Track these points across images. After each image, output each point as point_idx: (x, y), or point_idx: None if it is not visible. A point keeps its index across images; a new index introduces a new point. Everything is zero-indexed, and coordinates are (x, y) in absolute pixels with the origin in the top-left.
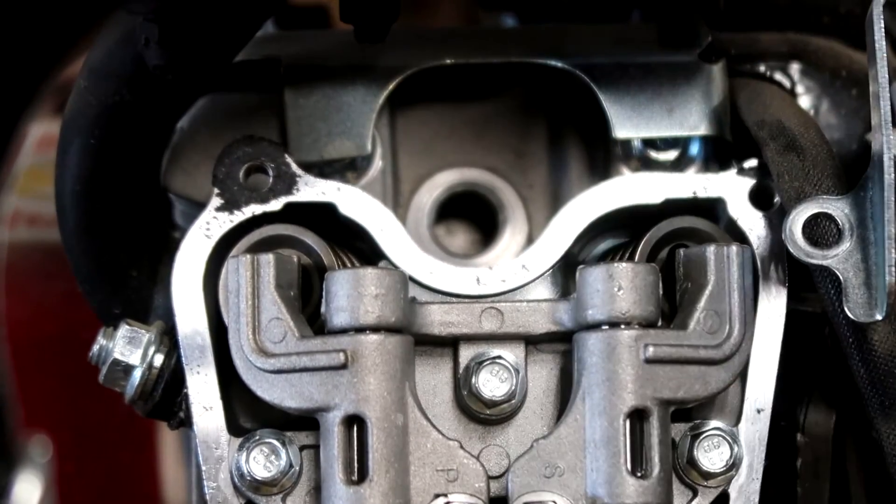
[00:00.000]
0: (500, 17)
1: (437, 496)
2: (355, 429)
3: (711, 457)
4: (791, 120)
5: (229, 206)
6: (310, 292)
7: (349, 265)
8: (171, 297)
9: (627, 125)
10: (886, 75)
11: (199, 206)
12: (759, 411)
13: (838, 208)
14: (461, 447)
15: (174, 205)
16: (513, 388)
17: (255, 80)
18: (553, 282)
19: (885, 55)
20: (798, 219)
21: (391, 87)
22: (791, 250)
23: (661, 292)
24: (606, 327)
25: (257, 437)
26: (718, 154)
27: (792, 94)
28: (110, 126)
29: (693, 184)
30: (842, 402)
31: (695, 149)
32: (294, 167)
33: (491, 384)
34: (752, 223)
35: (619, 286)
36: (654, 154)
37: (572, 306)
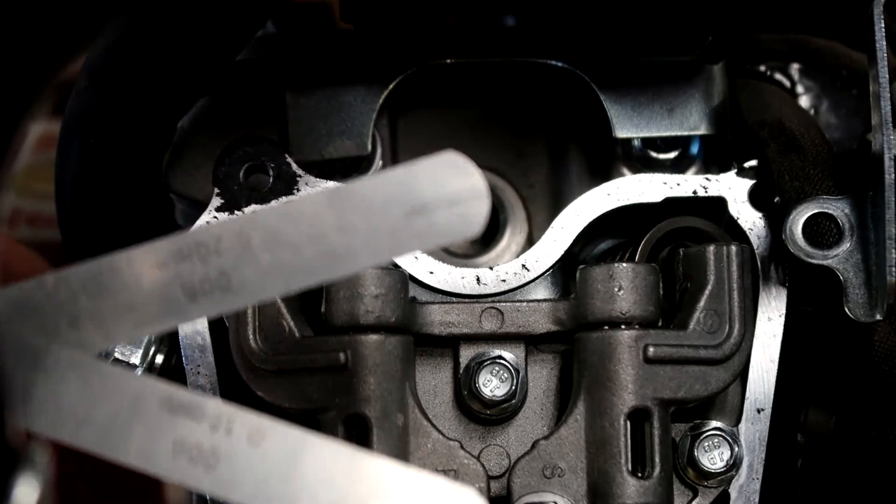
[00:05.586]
0: (500, 17)
1: None
2: (356, 429)
3: (712, 457)
4: (791, 120)
5: (229, 205)
6: (310, 292)
7: None
8: None
9: (628, 125)
10: (886, 75)
11: (200, 206)
12: (759, 411)
13: (838, 208)
14: (461, 447)
15: (175, 204)
16: (513, 388)
17: (256, 81)
18: (553, 282)
19: (885, 55)
20: (798, 219)
21: (391, 86)
22: (791, 250)
23: (661, 292)
24: (607, 327)
25: None
26: (718, 154)
27: (792, 94)
28: (110, 126)
29: (693, 184)
30: (842, 402)
31: (695, 149)
32: (294, 167)
33: (491, 384)
34: (752, 223)
35: (619, 286)
36: (654, 154)
37: (572, 306)
